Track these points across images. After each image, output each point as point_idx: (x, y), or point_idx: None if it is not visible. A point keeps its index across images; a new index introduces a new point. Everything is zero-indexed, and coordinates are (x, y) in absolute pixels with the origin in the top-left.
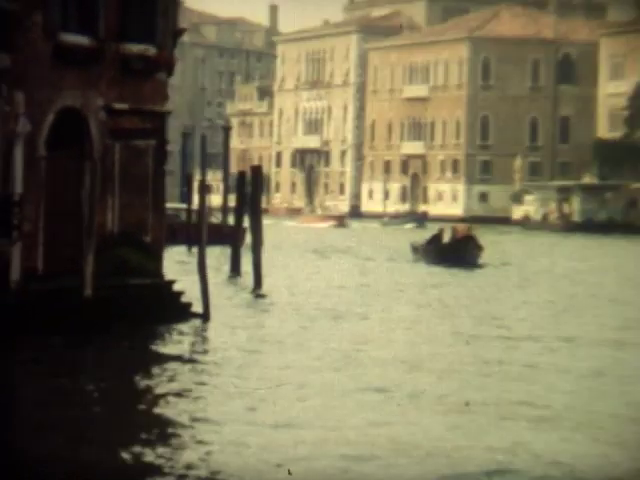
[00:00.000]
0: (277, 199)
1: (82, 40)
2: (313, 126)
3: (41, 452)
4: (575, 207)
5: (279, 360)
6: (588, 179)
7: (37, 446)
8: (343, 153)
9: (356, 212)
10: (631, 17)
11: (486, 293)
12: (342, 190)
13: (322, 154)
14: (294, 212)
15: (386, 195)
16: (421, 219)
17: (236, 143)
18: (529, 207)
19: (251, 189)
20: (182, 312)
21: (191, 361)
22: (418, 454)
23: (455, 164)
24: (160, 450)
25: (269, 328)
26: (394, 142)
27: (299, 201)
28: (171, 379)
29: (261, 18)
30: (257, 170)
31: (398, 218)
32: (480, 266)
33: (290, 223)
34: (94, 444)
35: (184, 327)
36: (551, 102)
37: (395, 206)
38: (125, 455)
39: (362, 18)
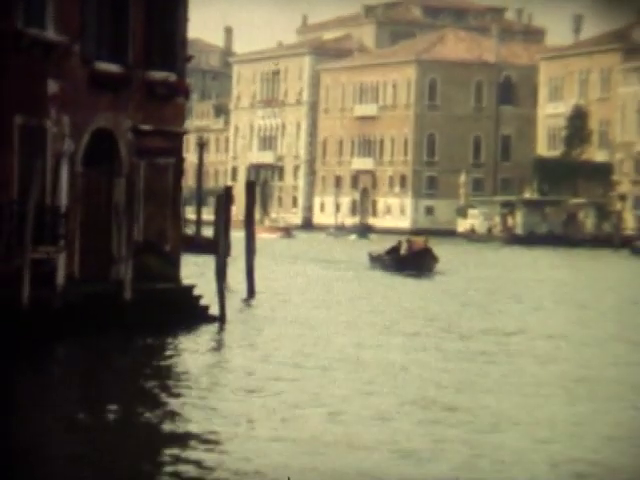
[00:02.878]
0: (232, 211)
1: (113, 68)
2: (267, 142)
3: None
4: (518, 221)
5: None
6: (529, 195)
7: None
8: (296, 168)
9: (308, 224)
10: (568, 42)
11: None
12: (295, 203)
13: (276, 169)
14: None
15: (337, 208)
16: (364, 231)
17: (193, 158)
18: (474, 220)
19: (246, 203)
20: (202, 314)
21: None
22: None
23: (403, 179)
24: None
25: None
26: (345, 158)
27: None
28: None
29: (217, 39)
30: (251, 185)
31: (342, 230)
32: (435, 274)
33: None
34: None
35: (208, 327)
36: (493, 122)
37: (345, 219)
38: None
39: (314, 40)
